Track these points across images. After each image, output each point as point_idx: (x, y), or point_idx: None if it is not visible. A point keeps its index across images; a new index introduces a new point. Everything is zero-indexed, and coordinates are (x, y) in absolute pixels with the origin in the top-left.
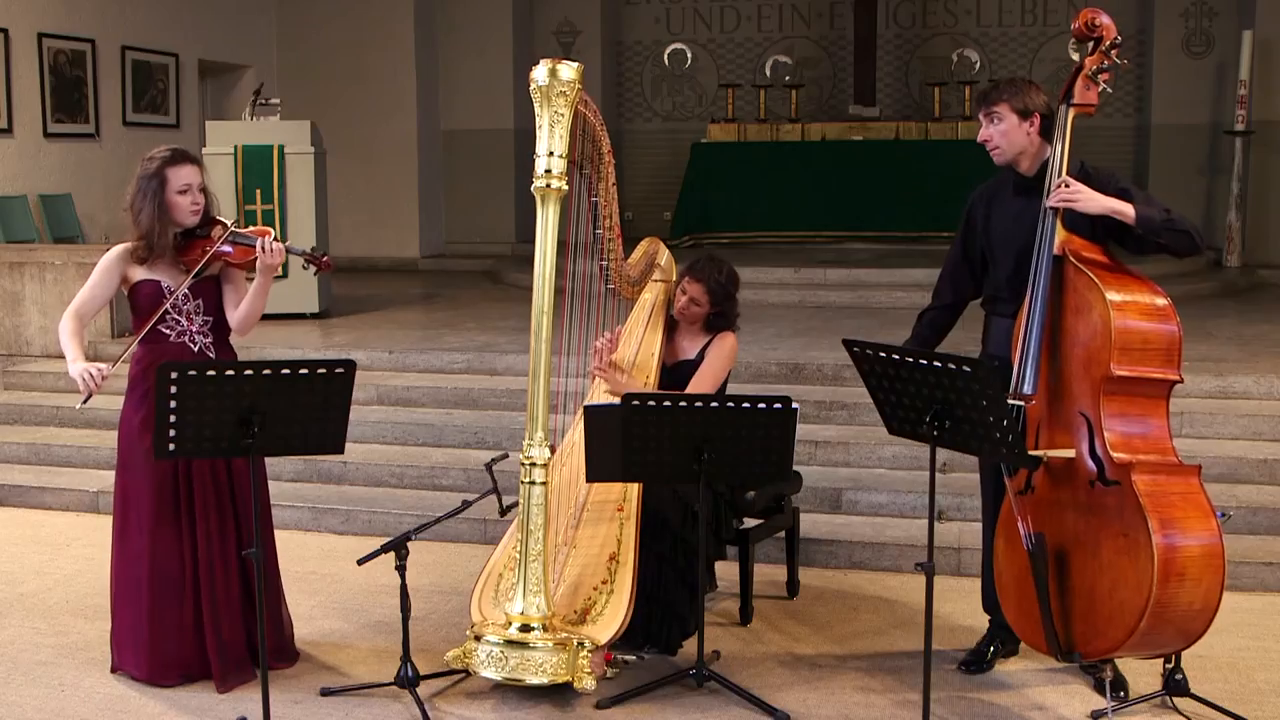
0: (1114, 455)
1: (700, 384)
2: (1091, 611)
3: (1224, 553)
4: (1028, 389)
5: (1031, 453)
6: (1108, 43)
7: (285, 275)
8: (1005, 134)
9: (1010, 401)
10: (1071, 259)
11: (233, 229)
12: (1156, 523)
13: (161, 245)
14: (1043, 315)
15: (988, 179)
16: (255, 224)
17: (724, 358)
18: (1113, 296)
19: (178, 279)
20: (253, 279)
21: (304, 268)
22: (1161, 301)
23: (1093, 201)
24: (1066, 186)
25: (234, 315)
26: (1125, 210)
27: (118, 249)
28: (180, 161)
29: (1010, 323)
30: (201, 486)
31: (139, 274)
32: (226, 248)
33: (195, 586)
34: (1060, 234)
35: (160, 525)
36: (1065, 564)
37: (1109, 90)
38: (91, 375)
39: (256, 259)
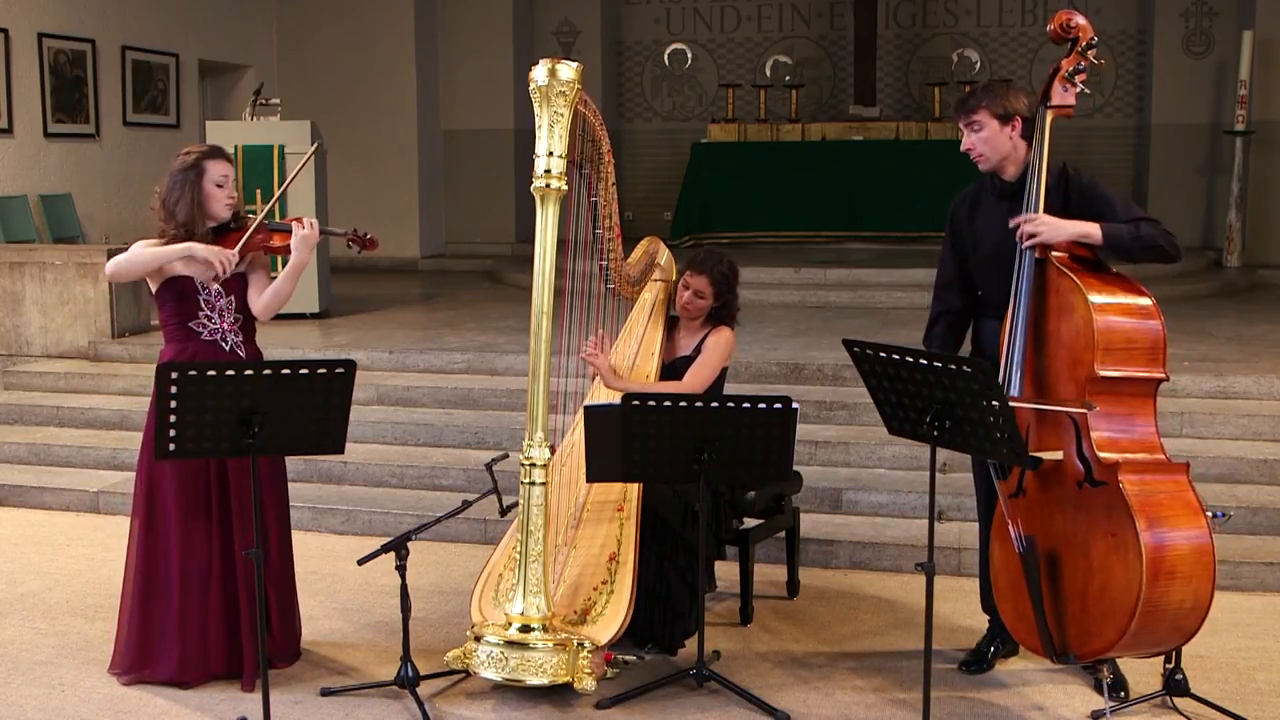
0: (1101, 455)
1: (696, 374)
2: (1084, 612)
3: (1214, 550)
4: (1013, 391)
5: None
6: (1084, 43)
7: None
8: (987, 140)
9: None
10: (1054, 261)
11: (265, 219)
12: (1144, 522)
13: (199, 237)
14: (1027, 318)
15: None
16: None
17: (721, 350)
18: (1094, 298)
19: (209, 276)
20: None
21: (348, 247)
22: (1145, 301)
23: (1058, 232)
24: (1028, 223)
25: (258, 300)
26: (1092, 234)
27: (150, 241)
28: (217, 156)
29: (998, 324)
30: (230, 486)
31: (173, 268)
32: (260, 235)
33: (225, 584)
34: None
35: (190, 523)
36: (1057, 565)
37: (1087, 91)
38: (226, 260)
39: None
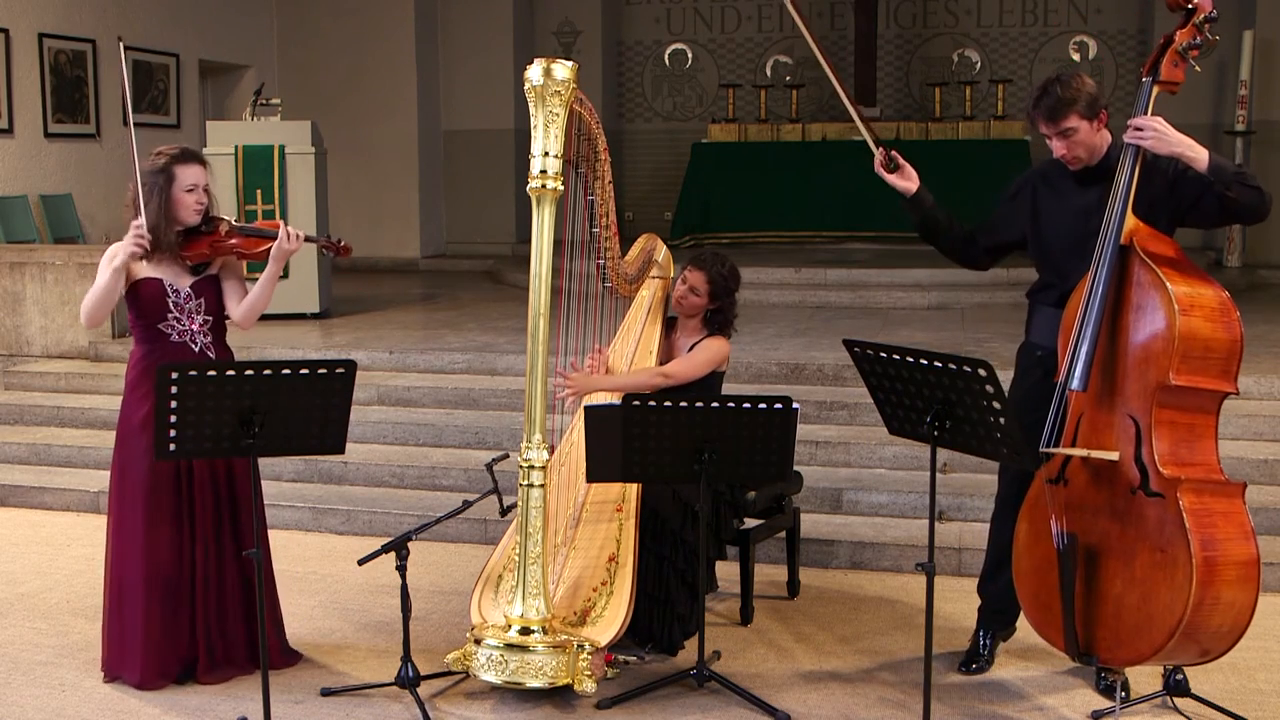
0: (1161, 468)
1: (679, 364)
2: (1118, 620)
3: (1260, 576)
4: (1076, 385)
5: (1069, 450)
6: (1201, 16)
7: (285, 275)
8: (1082, 143)
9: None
10: (1139, 250)
11: (235, 223)
12: (1198, 544)
13: (165, 243)
14: (1101, 308)
15: (989, 180)
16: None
17: (712, 354)
18: (1180, 298)
19: (180, 277)
20: (251, 278)
21: (323, 253)
22: (1227, 303)
23: (1164, 141)
24: (1139, 130)
25: (238, 308)
26: (1199, 156)
27: (117, 245)
28: (188, 160)
29: (1056, 312)
30: (200, 486)
31: (142, 271)
32: (234, 240)
33: (192, 587)
34: (1130, 221)
35: (157, 526)
36: (1095, 566)
37: (1197, 69)
38: (137, 239)
39: (268, 248)
